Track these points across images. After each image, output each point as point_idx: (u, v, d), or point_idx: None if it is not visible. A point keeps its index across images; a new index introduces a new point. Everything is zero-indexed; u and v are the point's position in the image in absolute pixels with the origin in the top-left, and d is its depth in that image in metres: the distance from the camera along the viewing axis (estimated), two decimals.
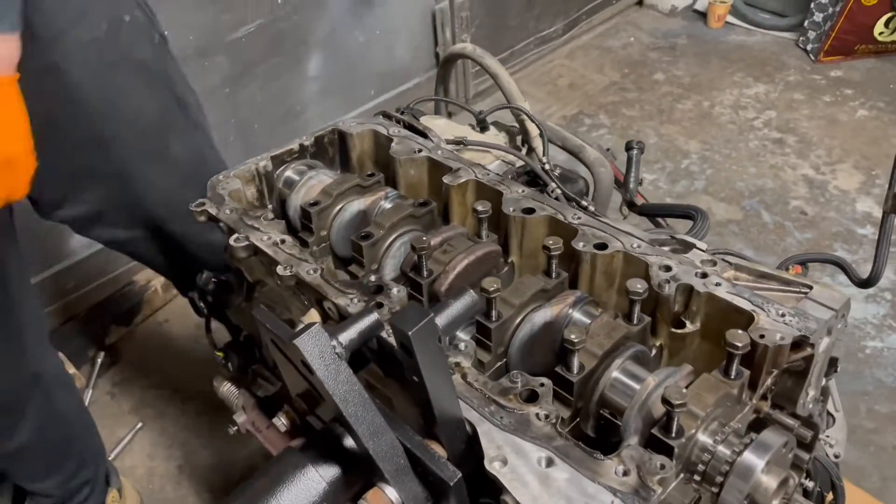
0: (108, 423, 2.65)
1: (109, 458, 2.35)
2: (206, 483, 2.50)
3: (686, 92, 4.12)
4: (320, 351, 0.86)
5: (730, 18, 4.64)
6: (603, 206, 1.68)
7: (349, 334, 0.90)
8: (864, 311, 2.85)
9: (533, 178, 1.64)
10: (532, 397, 0.99)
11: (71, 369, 2.53)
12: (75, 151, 1.57)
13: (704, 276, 1.15)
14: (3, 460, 1.84)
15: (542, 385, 1.00)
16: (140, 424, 2.65)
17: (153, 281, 3.08)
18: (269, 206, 1.57)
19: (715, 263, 1.17)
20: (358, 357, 1.08)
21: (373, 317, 0.92)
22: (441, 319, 0.85)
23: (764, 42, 4.50)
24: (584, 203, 1.60)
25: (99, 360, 2.85)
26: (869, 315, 2.84)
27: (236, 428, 1.70)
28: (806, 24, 4.29)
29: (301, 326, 1.15)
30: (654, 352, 1.17)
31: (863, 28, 4.06)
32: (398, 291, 1.18)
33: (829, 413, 1.38)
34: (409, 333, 0.81)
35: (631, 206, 1.79)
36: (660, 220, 1.82)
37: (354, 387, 0.88)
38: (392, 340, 1.00)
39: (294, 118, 3.42)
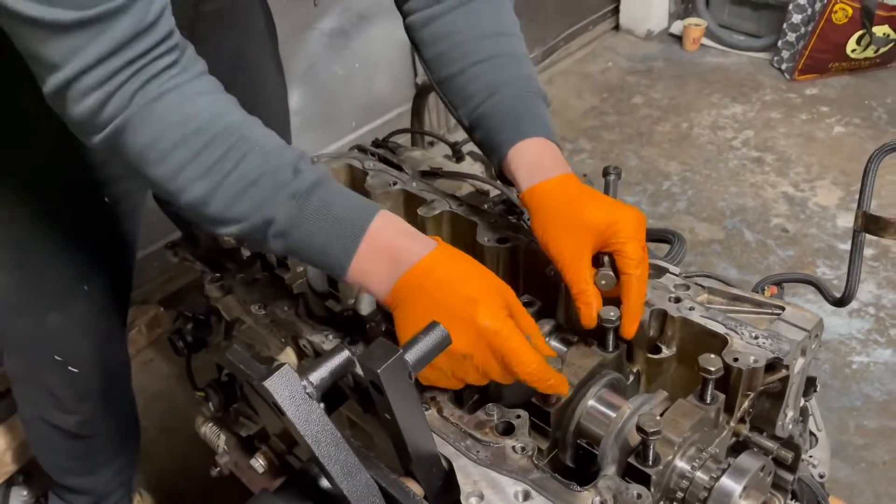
0: None
1: None
2: None
3: (665, 114, 4.17)
4: (290, 392, 0.85)
5: (705, 41, 4.71)
6: None
7: (320, 373, 0.90)
8: (849, 327, 2.86)
9: (509, 207, 1.65)
10: (508, 430, 0.98)
11: None
12: None
13: (678, 300, 1.15)
14: (67, 448, 1.89)
15: (519, 417, 0.99)
16: None
17: (137, 320, 3.06)
18: (245, 244, 1.56)
19: (688, 287, 1.17)
20: (337, 393, 1.07)
21: (343, 354, 0.91)
22: (411, 355, 0.85)
23: (739, 63, 4.56)
24: None
25: None
26: (854, 330, 2.85)
27: (219, 469, 1.68)
28: (779, 44, 4.36)
29: (272, 367, 1.15)
30: (631, 378, 1.17)
31: (835, 46, 4.12)
32: (373, 326, 1.17)
33: (811, 433, 1.38)
34: (378, 371, 0.80)
35: None
36: None
37: (326, 426, 0.87)
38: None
39: None
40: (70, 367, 1.70)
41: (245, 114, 1.05)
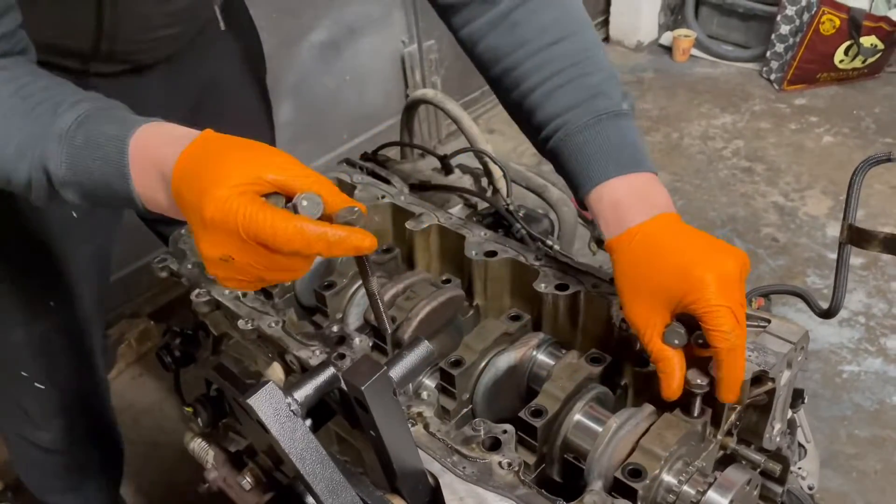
0: None
1: None
2: None
3: (655, 124, 4.18)
4: (274, 409, 0.85)
5: (694, 52, 4.74)
6: (568, 245, 1.69)
7: (305, 390, 0.89)
8: (840, 336, 2.87)
9: (498, 220, 1.65)
10: (495, 445, 0.98)
11: None
12: None
13: None
14: (45, 464, 1.88)
15: (505, 432, 0.99)
16: None
17: (127, 334, 3.05)
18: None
19: None
20: (324, 409, 1.07)
21: (329, 371, 0.91)
22: (396, 372, 0.85)
23: (729, 73, 4.59)
24: (549, 242, 1.60)
25: None
26: (844, 339, 2.86)
27: (207, 485, 1.67)
28: (768, 54, 4.39)
29: (256, 384, 1.15)
30: (618, 392, 1.17)
31: (823, 57, 4.16)
32: (360, 341, 1.17)
33: (800, 445, 1.38)
34: (363, 388, 0.80)
35: (600, 243, 1.79)
36: None
37: (311, 444, 0.87)
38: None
39: None
40: (36, 384, 1.68)
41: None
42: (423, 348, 0.87)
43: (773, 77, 4.39)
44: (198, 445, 1.74)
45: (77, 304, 1.64)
